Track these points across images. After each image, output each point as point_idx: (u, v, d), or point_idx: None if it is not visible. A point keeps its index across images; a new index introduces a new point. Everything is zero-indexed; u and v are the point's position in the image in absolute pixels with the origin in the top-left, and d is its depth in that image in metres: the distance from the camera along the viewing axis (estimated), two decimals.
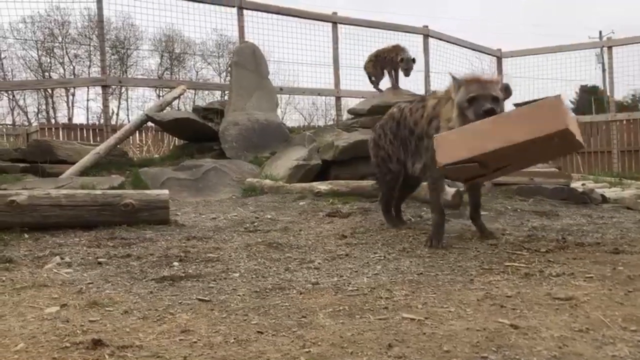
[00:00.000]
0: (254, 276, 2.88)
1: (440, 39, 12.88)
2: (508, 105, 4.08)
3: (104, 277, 2.85)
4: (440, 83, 12.55)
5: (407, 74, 8.45)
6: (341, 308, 2.28)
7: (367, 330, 1.98)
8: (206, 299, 2.43)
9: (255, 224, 4.63)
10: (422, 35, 12.46)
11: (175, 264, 3.21)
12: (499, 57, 13.93)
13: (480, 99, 3.40)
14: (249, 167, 7.79)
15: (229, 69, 13.12)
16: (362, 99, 9.82)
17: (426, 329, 2.00)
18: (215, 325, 2.04)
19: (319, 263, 3.19)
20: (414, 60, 8.46)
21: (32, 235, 4.01)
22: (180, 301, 2.39)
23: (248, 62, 9.61)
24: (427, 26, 12.58)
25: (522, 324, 2.05)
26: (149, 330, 1.95)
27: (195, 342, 1.86)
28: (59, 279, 2.82)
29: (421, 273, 2.91)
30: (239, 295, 2.51)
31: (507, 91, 4.29)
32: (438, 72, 12.70)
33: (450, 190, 5.19)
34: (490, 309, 2.26)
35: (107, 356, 1.69)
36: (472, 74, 3.66)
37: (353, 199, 5.64)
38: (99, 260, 3.28)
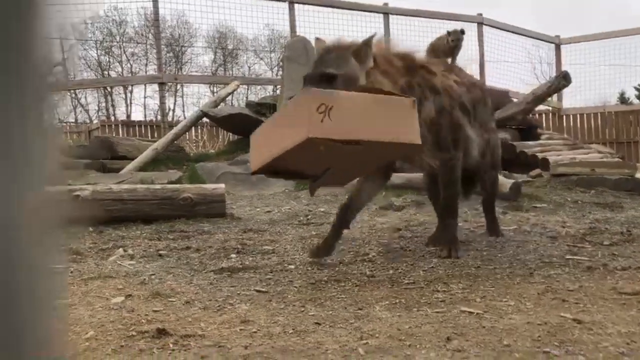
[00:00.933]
0: (309, 268, 2.91)
1: (495, 27, 12.57)
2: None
3: (165, 269, 2.94)
4: (496, 73, 12.27)
5: (455, 46, 8.24)
6: (397, 301, 2.28)
7: (425, 324, 1.97)
8: (264, 290, 2.48)
9: (309, 217, 4.66)
10: (475, 24, 12.19)
11: (233, 256, 3.28)
12: (557, 44, 13.46)
13: (307, 80, 2.71)
14: None
15: (281, 63, 13.23)
16: None
17: (485, 323, 1.97)
18: (274, 316, 2.08)
19: (374, 256, 3.19)
20: (462, 32, 8.28)
21: (97, 228, 4.18)
22: (239, 292, 2.44)
23: (299, 56, 9.66)
24: (481, 14, 12.29)
25: (586, 318, 1.99)
26: (210, 320, 2.01)
27: (255, 332, 1.90)
28: (123, 270, 2.93)
29: (479, 266, 2.87)
30: (295, 286, 2.54)
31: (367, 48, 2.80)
32: (494, 61, 12.41)
33: (507, 182, 5.07)
34: (551, 302, 2.21)
35: (171, 345, 1.75)
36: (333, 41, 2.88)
37: (406, 192, 5.59)
38: (160, 252, 3.39)
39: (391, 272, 2.81)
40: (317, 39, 3.01)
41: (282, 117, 2.71)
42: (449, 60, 8.55)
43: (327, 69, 2.64)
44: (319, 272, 2.82)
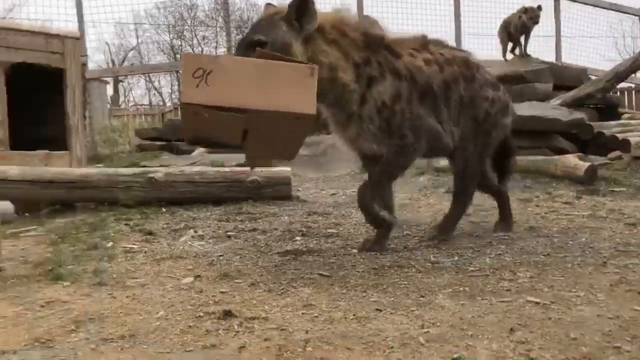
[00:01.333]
0: (372, 253, 2.91)
1: (574, 0, 11.92)
2: None
3: (233, 250, 3.03)
4: (574, 49, 11.67)
5: (534, 21, 7.93)
6: (461, 289, 2.25)
7: (489, 313, 1.94)
8: (327, 274, 2.51)
9: None
10: None
11: (298, 238, 3.33)
12: None
13: (237, 48, 2.70)
14: None
15: None
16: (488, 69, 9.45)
17: (552, 314, 1.91)
18: (335, 300, 2.10)
19: (439, 241, 3.15)
20: (539, 8, 7.94)
21: (169, 209, 4.34)
22: (302, 275, 2.49)
23: None
24: None
25: None
26: (273, 303, 2.06)
27: (316, 316, 1.93)
28: (193, 251, 3.04)
29: (548, 254, 2.78)
30: (357, 271, 2.56)
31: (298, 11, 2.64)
32: (571, 36, 11.81)
33: (582, 165, 4.86)
34: (625, 295, 2.11)
35: (236, 326, 1.81)
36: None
37: None
38: (228, 233, 3.49)
39: (456, 258, 2.77)
40: (267, 5, 2.88)
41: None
42: (522, 37, 8.24)
43: (255, 36, 2.61)
44: (382, 258, 2.82)
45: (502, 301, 2.08)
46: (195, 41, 28.25)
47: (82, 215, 4.17)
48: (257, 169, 4.97)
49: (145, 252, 3.00)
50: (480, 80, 3.18)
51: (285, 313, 1.95)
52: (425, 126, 2.93)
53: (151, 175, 4.44)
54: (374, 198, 3.01)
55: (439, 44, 3.19)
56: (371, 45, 2.82)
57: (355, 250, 2.98)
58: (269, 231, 3.53)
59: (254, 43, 2.55)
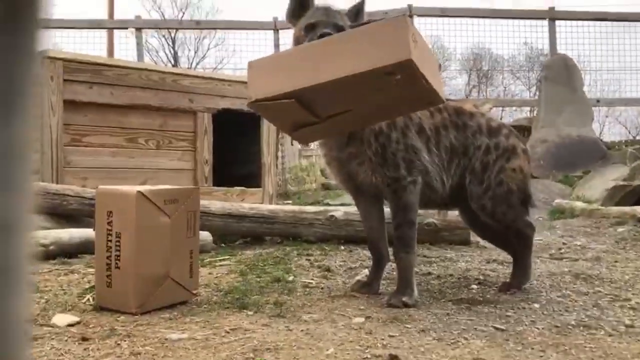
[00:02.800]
0: (556, 309, 2.70)
1: None
2: None
3: None
4: None
5: None
6: None
7: None
8: (502, 327, 2.38)
9: (562, 250, 4.32)
10: None
11: (474, 286, 3.21)
12: None
13: (320, 25, 2.61)
14: (557, 187, 7.32)
15: (538, 83, 12.55)
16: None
17: None
18: (509, 357, 1.98)
19: (637, 302, 2.81)
20: None
21: (347, 247, 4.49)
22: (475, 327, 2.39)
23: (559, 75, 9.05)
24: None
25: None
26: (442, 353, 2.01)
27: None
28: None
29: None
30: (537, 328, 2.39)
31: (357, 16, 2.80)
32: None
33: None
34: None
35: None
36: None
37: None
38: None
39: None
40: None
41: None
42: None
43: (339, 21, 2.67)
44: (567, 315, 2.60)
45: None
46: None
47: (270, 248, 4.50)
48: (435, 211, 4.92)
49: (322, 288, 3.13)
50: (471, 128, 3.05)
51: None
52: (419, 161, 2.86)
53: (332, 213, 4.64)
54: (411, 259, 2.88)
55: None
56: None
57: (536, 305, 2.79)
58: (443, 277, 3.46)
59: (337, 27, 2.63)
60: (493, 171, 3.03)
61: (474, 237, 4.78)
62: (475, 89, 27.31)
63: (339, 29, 2.61)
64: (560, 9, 10.37)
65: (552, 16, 10.25)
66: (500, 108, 22.27)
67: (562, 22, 10.41)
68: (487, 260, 3.97)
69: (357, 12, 2.84)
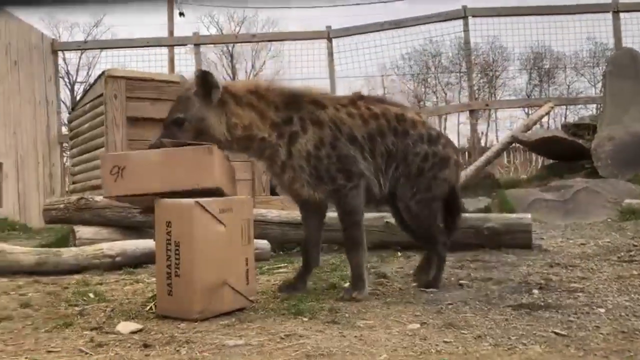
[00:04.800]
0: (623, 314, 2.58)
1: None
2: None
3: (463, 299, 2.97)
4: None
5: None
6: None
7: None
8: (563, 333, 2.30)
9: (632, 252, 4.12)
10: None
11: (535, 291, 3.12)
12: None
13: (162, 127, 2.97)
14: (626, 187, 6.98)
15: (603, 79, 12.11)
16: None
17: None
18: None
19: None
20: None
21: (404, 253, 4.46)
22: (534, 332, 2.32)
23: (626, 69, 8.66)
24: None
25: None
26: (497, 359, 1.96)
27: None
28: (423, 297, 3.06)
29: None
30: (601, 333, 2.29)
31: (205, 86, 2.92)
32: None
33: None
34: None
35: None
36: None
37: None
38: (460, 281, 3.43)
39: None
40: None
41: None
42: None
43: (174, 115, 2.91)
44: (634, 320, 2.48)
45: None
46: (439, 87, 28.78)
47: (326, 255, 4.52)
48: (494, 215, 4.81)
49: (377, 295, 3.12)
50: (413, 136, 3.21)
51: None
52: (356, 168, 3.06)
53: (387, 220, 4.61)
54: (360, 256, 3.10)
55: (374, 100, 3.33)
56: (293, 104, 3.06)
57: (602, 310, 2.67)
58: (503, 281, 3.38)
59: (175, 121, 2.89)
60: (426, 177, 3.22)
61: (537, 241, 4.65)
62: (537, 88, 26.51)
63: (177, 122, 2.90)
64: (624, 0, 9.94)
65: (615, 9, 9.84)
66: (564, 106, 21.56)
67: (627, 15, 9.97)
68: (549, 264, 3.84)
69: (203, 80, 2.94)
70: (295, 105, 3.09)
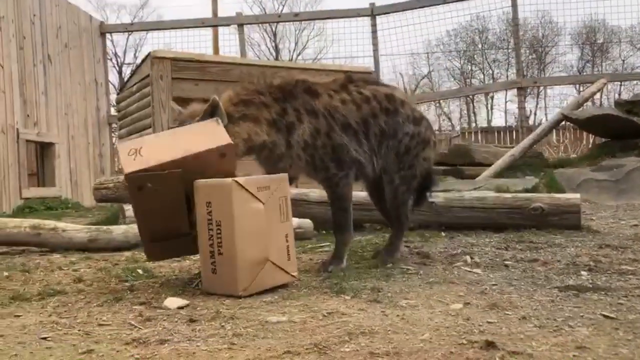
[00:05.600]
0: None
1: None
2: None
3: (508, 280, 2.93)
4: None
5: None
6: None
7: None
8: (612, 315, 2.24)
9: None
10: None
11: (583, 273, 3.04)
12: None
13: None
14: None
15: None
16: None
17: None
18: (616, 346, 1.86)
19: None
20: None
21: (448, 233, 4.42)
22: (581, 314, 2.27)
23: None
24: None
25: None
26: (542, 340, 1.93)
27: None
28: (467, 277, 3.03)
29: None
30: None
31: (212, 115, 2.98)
32: None
33: None
34: None
35: (497, 358, 1.76)
36: None
37: None
38: (505, 262, 3.38)
39: None
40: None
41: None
42: None
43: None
44: None
45: None
46: (485, 64, 28.08)
47: (369, 235, 4.53)
48: (541, 195, 4.70)
49: (420, 275, 3.11)
50: (402, 115, 3.37)
51: (554, 352, 1.81)
52: (348, 157, 3.22)
53: (431, 200, 4.57)
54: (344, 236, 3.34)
55: (363, 82, 3.38)
56: (285, 96, 3.14)
57: None
58: (550, 263, 3.31)
59: None
60: (410, 155, 3.40)
61: (586, 222, 4.52)
62: (589, 64, 25.53)
63: None
64: None
65: None
66: (619, 83, 20.72)
67: None
68: (599, 245, 3.74)
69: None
70: (287, 96, 3.15)
